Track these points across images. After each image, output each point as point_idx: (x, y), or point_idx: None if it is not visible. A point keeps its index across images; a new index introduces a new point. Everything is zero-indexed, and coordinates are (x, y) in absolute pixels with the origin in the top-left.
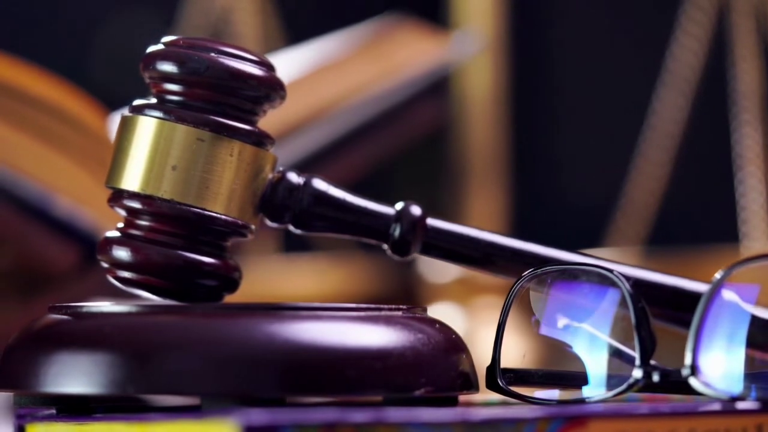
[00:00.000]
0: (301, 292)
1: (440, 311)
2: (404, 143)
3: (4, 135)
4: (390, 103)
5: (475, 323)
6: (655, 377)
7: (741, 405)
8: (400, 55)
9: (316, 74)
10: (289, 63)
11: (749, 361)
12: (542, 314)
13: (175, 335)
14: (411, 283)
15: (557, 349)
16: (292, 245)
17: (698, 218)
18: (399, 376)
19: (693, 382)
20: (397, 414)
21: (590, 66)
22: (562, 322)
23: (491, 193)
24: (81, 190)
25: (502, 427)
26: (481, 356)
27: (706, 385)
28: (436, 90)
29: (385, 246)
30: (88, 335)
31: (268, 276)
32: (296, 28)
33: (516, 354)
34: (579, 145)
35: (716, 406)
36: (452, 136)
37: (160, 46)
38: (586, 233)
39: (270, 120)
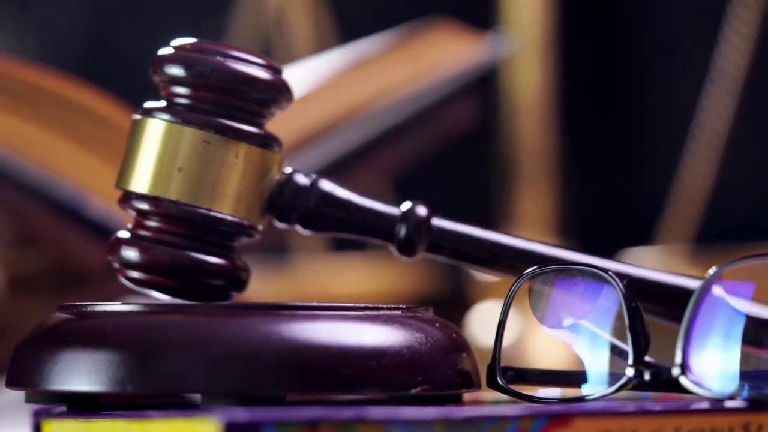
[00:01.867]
0: (350, 292)
1: (490, 310)
2: (438, 143)
3: (40, 137)
4: (423, 103)
5: (526, 322)
6: (647, 376)
7: (728, 404)
8: (434, 56)
9: (350, 75)
10: (323, 64)
11: (741, 360)
12: (541, 313)
13: (174, 334)
14: (461, 282)
15: (558, 347)
16: (342, 244)
17: (746, 216)
18: (395, 374)
19: (683, 380)
20: (378, 412)
21: (639, 64)
22: (560, 321)
23: (540, 191)
24: (114, 191)
25: (484, 426)
26: (533, 355)
27: (696, 383)
28: (471, 90)
29: (392, 246)
30: (90, 334)
31: (318, 275)
32: (349, 28)
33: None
34: (628, 142)
35: (703, 405)
36: (501, 134)
37: (169, 50)
38: (636, 231)
39: (304, 120)
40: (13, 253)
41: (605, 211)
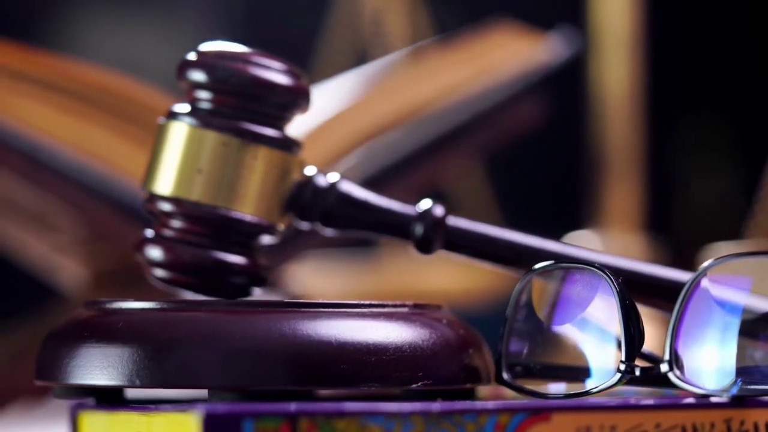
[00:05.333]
0: (438, 287)
1: None
2: (502, 144)
3: (103, 137)
4: (485, 103)
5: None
6: (637, 372)
7: (713, 399)
8: (495, 57)
9: (411, 75)
10: (386, 65)
11: (731, 355)
12: (545, 309)
13: (180, 331)
14: None
15: (561, 342)
16: None
17: None
18: (394, 369)
19: (671, 376)
20: (356, 406)
21: (725, 58)
22: (563, 317)
23: (629, 187)
24: None
25: (463, 420)
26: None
27: (684, 379)
28: (541, 90)
29: (410, 244)
30: (103, 331)
31: (406, 270)
32: (445, 28)
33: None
34: (715, 138)
35: (686, 400)
36: (589, 132)
37: (193, 55)
38: (723, 226)
39: (367, 120)
40: (95, 250)
41: (693, 207)
